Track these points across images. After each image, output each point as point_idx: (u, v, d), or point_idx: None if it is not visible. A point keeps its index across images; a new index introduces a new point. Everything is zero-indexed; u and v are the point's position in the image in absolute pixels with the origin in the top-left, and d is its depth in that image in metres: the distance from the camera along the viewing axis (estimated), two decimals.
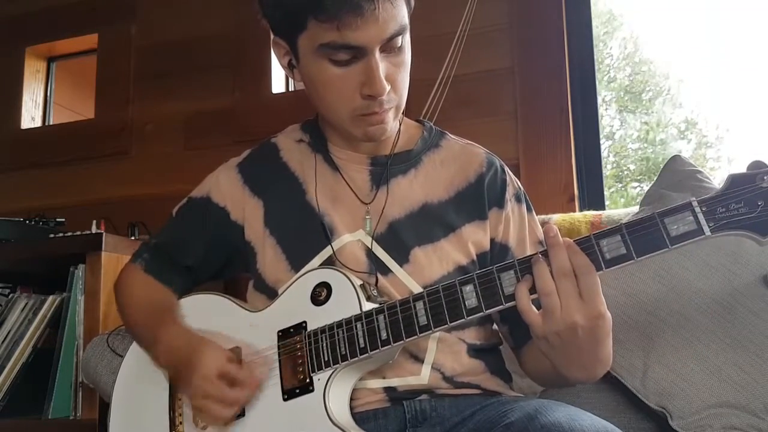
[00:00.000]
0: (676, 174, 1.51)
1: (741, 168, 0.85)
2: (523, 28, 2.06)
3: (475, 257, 1.10)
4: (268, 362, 1.03)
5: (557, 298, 0.86)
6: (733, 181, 0.84)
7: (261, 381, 1.02)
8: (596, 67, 2.11)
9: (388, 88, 1.01)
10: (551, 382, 1.14)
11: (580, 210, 1.94)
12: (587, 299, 0.86)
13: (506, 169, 1.20)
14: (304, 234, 1.11)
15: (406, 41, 1.03)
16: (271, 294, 1.10)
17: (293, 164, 1.19)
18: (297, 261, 1.10)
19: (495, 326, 1.18)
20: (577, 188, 1.99)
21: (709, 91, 2.23)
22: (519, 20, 2.06)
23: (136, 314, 1.17)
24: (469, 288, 0.92)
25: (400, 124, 1.17)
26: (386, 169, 1.14)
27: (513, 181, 1.19)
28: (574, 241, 0.88)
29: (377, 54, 0.98)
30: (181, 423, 1.07)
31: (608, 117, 2.38)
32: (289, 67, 1.10)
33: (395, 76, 1.02)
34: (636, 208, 1.56)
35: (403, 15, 1.00)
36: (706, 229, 0.83)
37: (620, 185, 2.43)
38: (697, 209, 0.83)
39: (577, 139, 2.00)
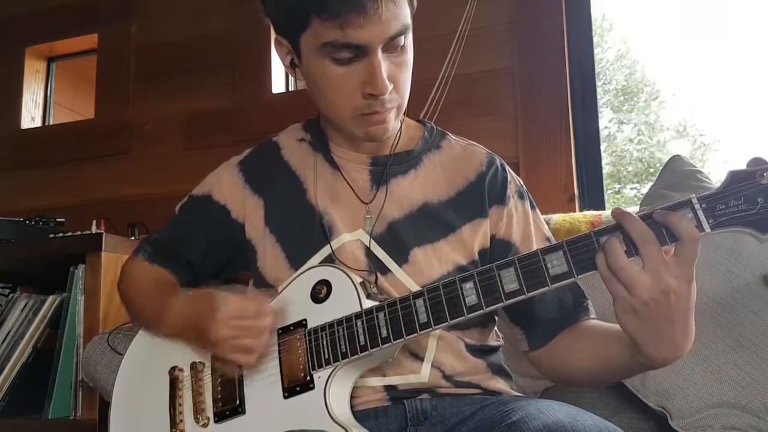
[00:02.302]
0: (676, 174, 1.52)
1: (739, 166, 0.85)
2: (523, 28, 2.06)
3: (476, 257, 1.10)
4: (269, 360, 1.03)
5: (633, 270, 0.83)
6: (733, 177, 0.83)
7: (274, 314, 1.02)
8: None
9: (390, 87, 1.00)
10: (610, 374, 1.07)
11: (580, 210, 1.94)
12: (682, 263, 0.83)
13: (507, 167, 1.20)
14: (303, 233, 1.11)
15: (408, 41, 1.03)
16: (272, 292, 1.10)
17: (294, 163, 1.19)
18: (296, 259, 1.10)
19: (496, 328, 1.17)
20: (577, 188, 1.99)
21: (706, 92, 2.23)
22: (519, 20, 2.07)
23: (141, 295, 1.17)
24: (469, 285, 0.91)
25: (401, 124, 1.17)
26: (386, 169, 1.14)
27: (515, 179, 1.19)
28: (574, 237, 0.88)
29: (379, 53, 0.98)
30: (181, 421, 1.06)
31: (605, 119, 2.39)
32: (292, 67, 1.10)
33: (397, 75, 1.02)
34: (636, 208, 1.56)
35: (406, 15, 1.00)
36: (705, 225, 0.82)
37: (618, 186, 2.43)
38: (697, 206, 0.83)
39: (577, 139, 2.01)
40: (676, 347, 0.89)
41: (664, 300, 0.83)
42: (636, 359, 0.92)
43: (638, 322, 0.86)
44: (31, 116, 2.66)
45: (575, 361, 1.07)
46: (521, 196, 1.17)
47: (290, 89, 2.40)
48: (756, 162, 0.83)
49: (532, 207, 1.18)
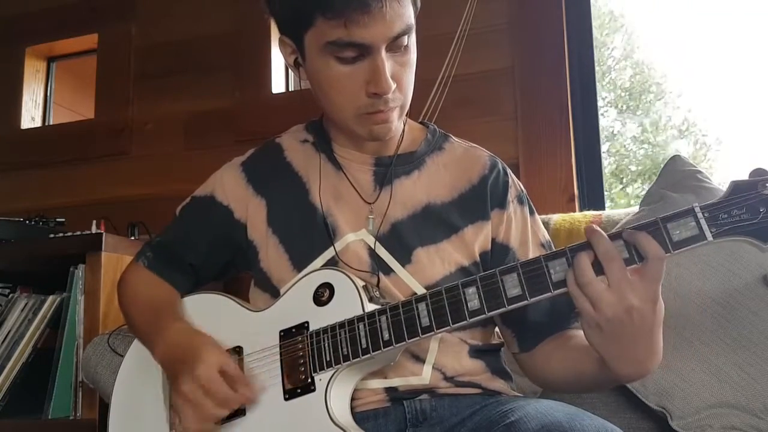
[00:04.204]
0: (676, 174, 1.51)
1: (741, 170, 0.86)
2: (523, 28, 2.06)
3: (477, 258, 1.10)
4: (270, 362, 1.03)
5: (598, 286, 0.85)
6: (736, 187, 0.84)
7: (259, 388, 1.02)
8: (596, 68, 2.11)
9: (393, 86, 1.01)
10: (583, 385, 1.10)
11: (580, 210, 1.94)
12: (647, 282, 0.85)
13: (509, 171, 1.20)
14: (306, 233, 1.11)
15: (412, 41, 1.03)
16: (274, 293, 1.10)
17: (297, 164, 1.19)
18: (299, 260, 1.10)
19: (497, 329, 1.18)
20: (577, 188, 1.99)
21: (709, 92, 2.23)
22: (519, 20, 2.07)
23: (137, 311, 1.17)
24: (471, 290, 0.92)
25: (404, 125, 1.17)
26: (389, 169, 1.14)
27: (515, 184, 1.19)
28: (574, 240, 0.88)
29: (383, 52, 0.99)
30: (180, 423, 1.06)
31: (608, 118, 2.38)
32: (295, 66, 1.10)
33: (401, 75, 1.03)
34: (636, 208, 1.56)
35: (410, 14, 1.00)
36: (708, 234, 0.83)
37: (620, 185, 2.43)
38: (700, 215, 0.84)
39: (577, 139, 2.01)
40: (640, 364, 0.92)
41: (627, 318, 0.85)
42: (604, 373, 0.94)
43: (603, 338, 0.88)
44: (31, 116, 2.65)
45: (551, 369, 1.10)
46: (521, 201, 1.17)
47: (290, 89, 2.39)
48: (758, 173, 0.84)
49: (531, 212, 1.18)
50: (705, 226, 0.83)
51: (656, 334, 0.89)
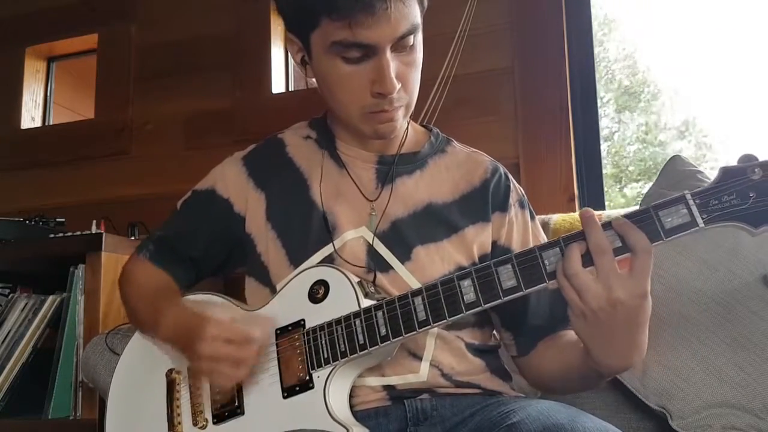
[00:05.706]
0: (676, 174, 1.51)
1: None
2: (523, 28, 2.06)
3: (476, 259, 1.10)
4: (267, 360, 1.03)
5: (584, 277, 0.85)
6: (725, 173, 0.85)
7: (267, 336, 1.02)
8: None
9: (398, 86, 1.01)
10: (572, 382, 1.10)
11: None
12: (635, 276, 0.85)
13: (510, 176, 1.21)
14: (305, 229, 1.11)
15: (417, 40, 1.04)
16: (271, 288, 1.11)
17: (299, 160, 1.19)
18: (297, 256, 1.10)
19: (495, 331, 1.18)
20: (577, 188, 1.99)
21: (709, 92, 2.23)
22: (519, 20, 2.07)
23: (138, 299, 1.18)
24: (467, 282, 0.92)
25: (408, 125, 1.17)
26: (392, 167, 1.14)
27: (516, 188, 1.20)
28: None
29: (388, 52, 0.99)
30: (179, 423, 1.06)
31: (607, 118, 2.38)
32: (302, 64, 1.11)
33: (406, 74, 1.03)
34: (636, 208, 1.56)
35: (416, 14, 1.01)
36: (699, 221, 0.84)
37: (619, 186, 2.43)
38: (691, 201, 0.84)
39: (577, 139, 2.01)
40: (623, 358, 0.93)
41: (612, 310, 0.86)
42: (589, 365, 0.95)
43: (587, 328, 0.89)
44: (31, 116, 2.66)
45: (544, 368, 1.11)
46: (522, 206, 1.18)
47: (290, 89, 2.40)
48: (747, 158, 0.85)
49: (532, 217, 1.19)
50: (696, 213, 0.84)
51: (642, 328, 0.90)
